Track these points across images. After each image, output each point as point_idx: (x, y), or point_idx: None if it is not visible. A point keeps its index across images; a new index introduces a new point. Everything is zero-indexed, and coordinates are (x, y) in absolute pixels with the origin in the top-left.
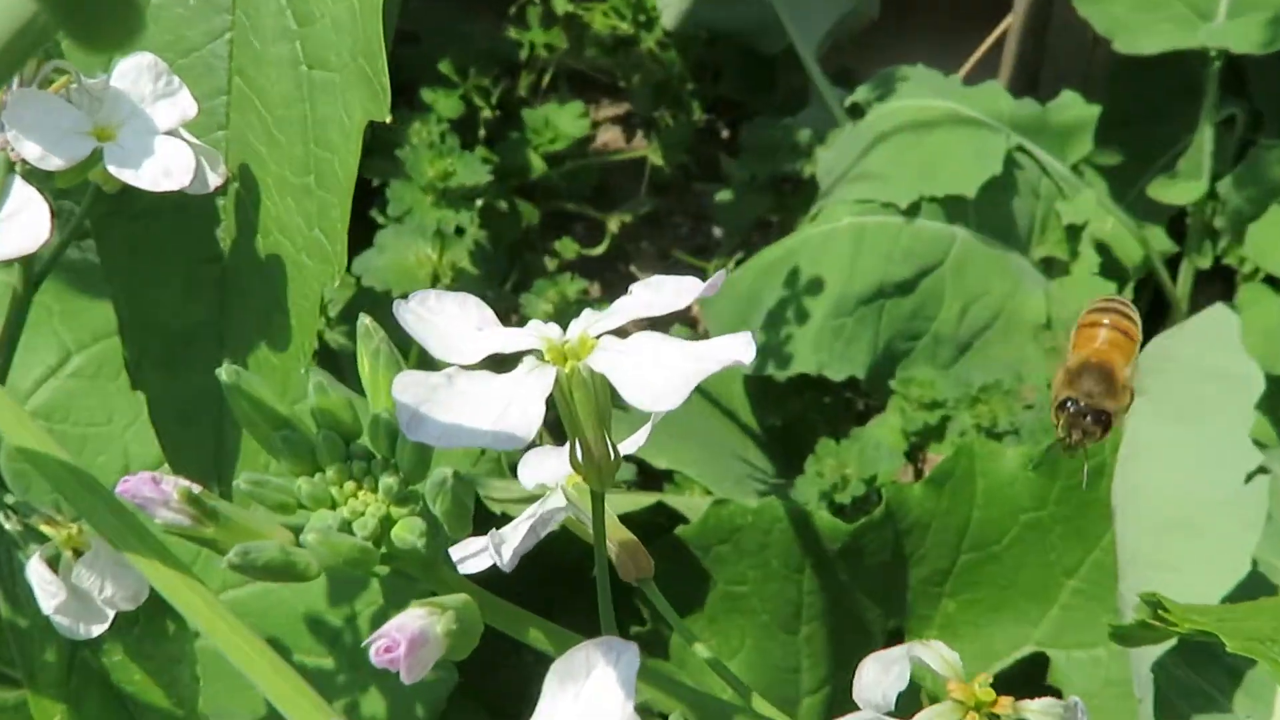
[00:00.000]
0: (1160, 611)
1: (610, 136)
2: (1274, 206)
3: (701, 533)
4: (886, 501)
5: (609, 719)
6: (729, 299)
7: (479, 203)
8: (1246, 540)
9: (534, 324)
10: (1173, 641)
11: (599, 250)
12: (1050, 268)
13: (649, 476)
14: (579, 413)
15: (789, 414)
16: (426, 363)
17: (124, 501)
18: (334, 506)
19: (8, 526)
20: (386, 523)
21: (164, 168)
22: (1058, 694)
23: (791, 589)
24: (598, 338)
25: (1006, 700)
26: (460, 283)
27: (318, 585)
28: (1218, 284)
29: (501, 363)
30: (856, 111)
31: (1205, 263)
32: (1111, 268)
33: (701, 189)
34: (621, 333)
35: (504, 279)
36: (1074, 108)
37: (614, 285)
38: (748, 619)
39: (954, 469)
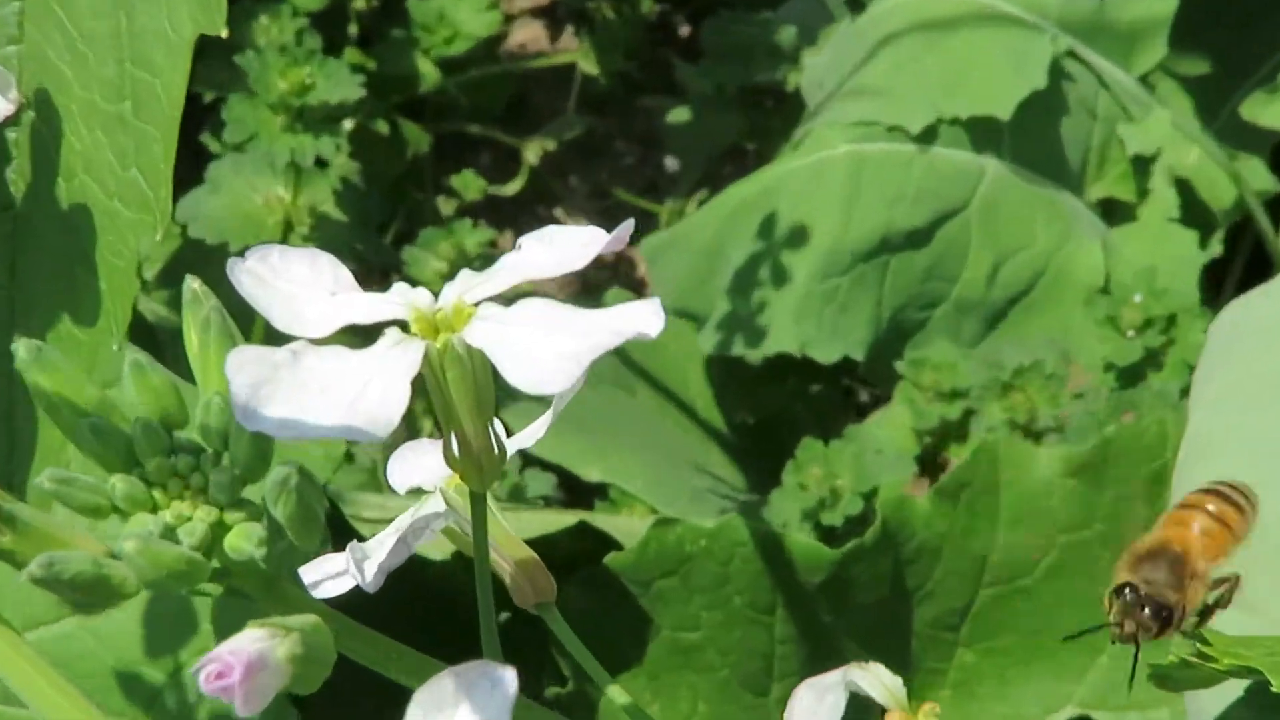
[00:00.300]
0: (1201, 646)
1: (529, 35)
2: None
3: (640, 562)
4: (884, 519)
5: None
6: (685, 254)
7: (348, 125)
8: None
9: (399, 288)
10: (1238, 692)
11: (513, 188)
12: (1111, 212)
13: (576, 493)
14: (454, 397)
15: (765, 408)
16: (273, 337)
17: None
18: (155, 510)
19: None
20: (218, 529)
21: None
22: None
23: (760, 636)
24: (476, 305)
25: None
26: (323, 232)
27: (132, 631)
28: None
29: (364, 337)
30: (856, 5)
31: None
32: (1193, 212)
33: (650, 105)
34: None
35: (383, 227)
36: (1142, 1)
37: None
38: (702, 676)
39: (972, 476)
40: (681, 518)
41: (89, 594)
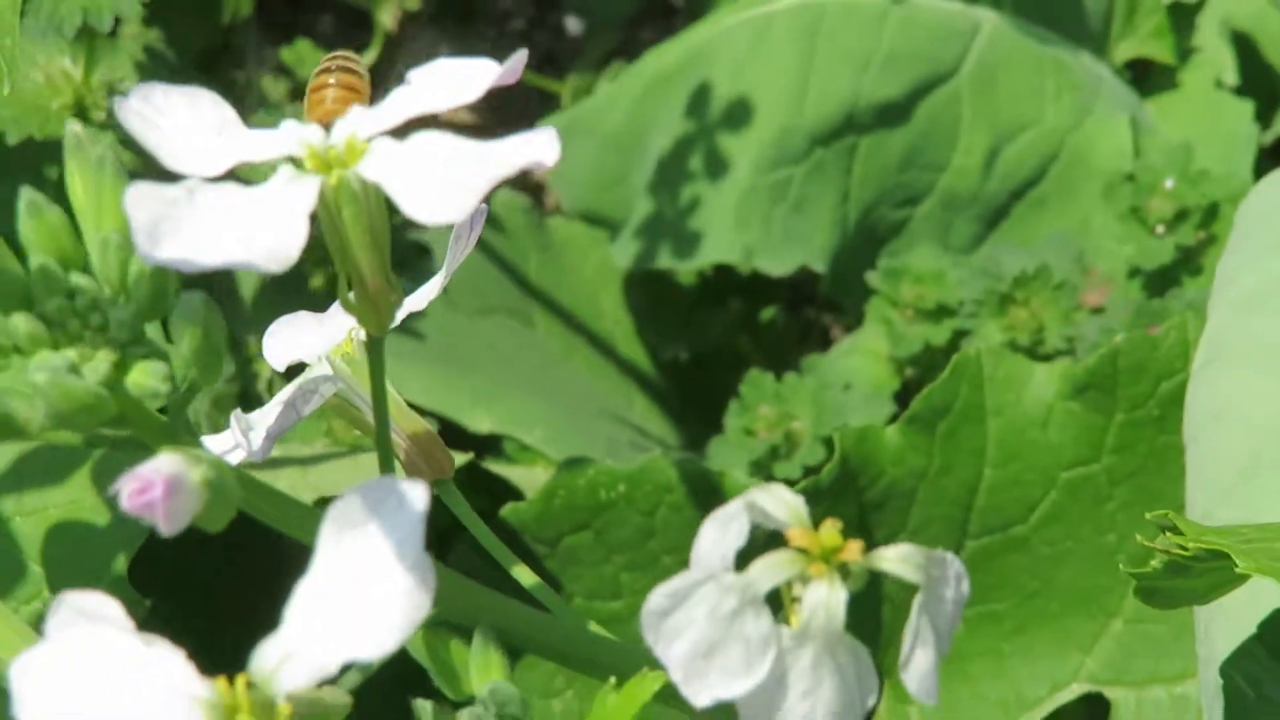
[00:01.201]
0: (1173, 536)
1: None
2: None
3: (544, 515)
4: (844, 454)
5: (394, 574)
6: (592, 141)
7: None
8: None
9: (289, 125)
10: (1251, 630)
11: (365, 60)
12: (1144, 76)
13: (461, 447)
14: (350, 235)
15: (701, 339)
16: None
17: None
18: (57, 350)
19: None
20: (120, 370)
21: None
22: None
23: None
24: (369, 140)
25: (856, 545)
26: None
27: None
28: None
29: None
30: None
31: None
32: (1253, 75)
33: None
34: (398, 135)
35: None
36: None
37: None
38: None
39: (951, 400)
40: (596, 460)
41: None
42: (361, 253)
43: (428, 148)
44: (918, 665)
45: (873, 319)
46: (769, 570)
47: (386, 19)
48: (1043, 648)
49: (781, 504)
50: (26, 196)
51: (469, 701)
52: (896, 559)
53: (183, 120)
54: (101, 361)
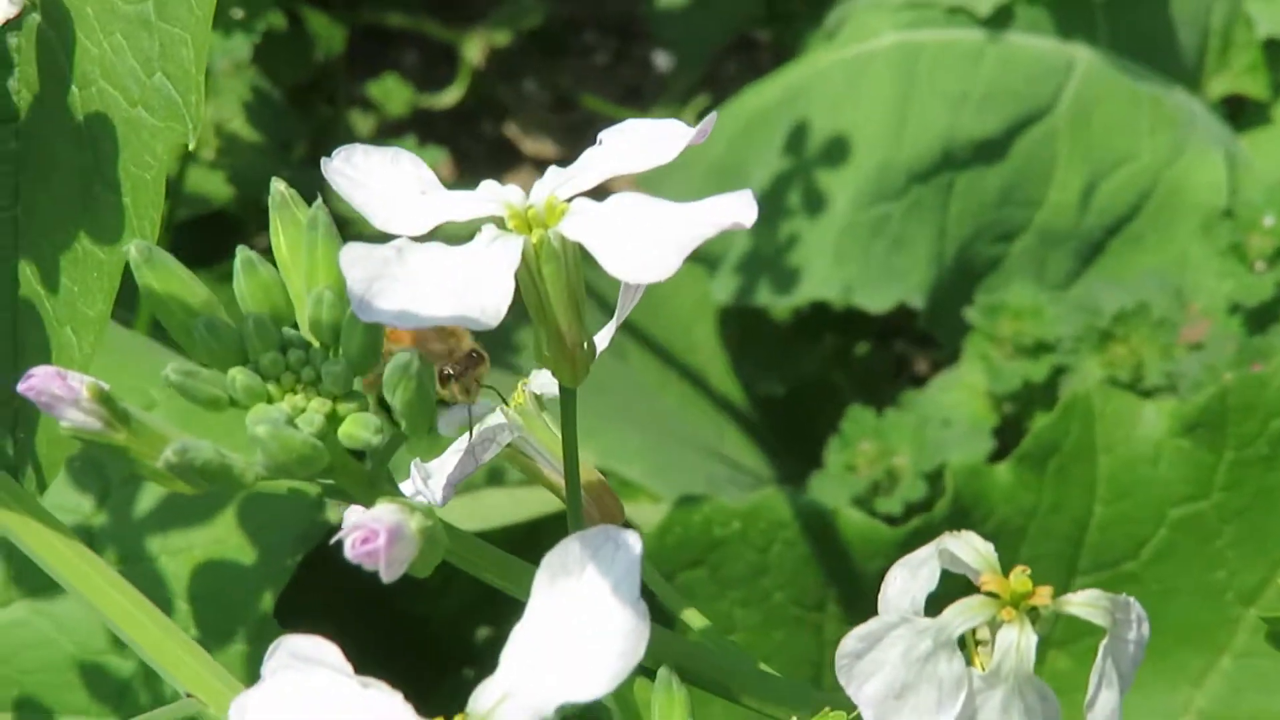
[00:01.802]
0: None
1: None
2: None
3: (659, 551)
4: (956, 491)
5: (609, 618)
6: (689, 176)
7: (241, 16)
8: None
9: (489, 185)
10: None
11: (449, 98)
12: (1238, 112)
13: None
14: (549, 291)
15: (796, 374)
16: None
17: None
18: (270, 402)
19: None
20: (333, 420)
21: None
22: None
23: (807, 639)
24: (569, 201)
25: (1046, 590)
26: (234, 157)
27: (94, 620)
28: None
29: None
30: None
31: None
32: None
33: None
34: (596, 194)
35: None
36: None
37: (477, 160)
38: None
39: (1061, 438)
40: (703, 496)
41: (213, 481)
42: (560, 309)
43: (628, 208)
44: (1103, 705)
45: (971, 355)
46: (964, 614)
47: (473, 54)
48: (1154, 682)
49: (972, 550)
50: (242, 254)
51: None
52: (1084, 603)
53: (386, 180)
54: (315, 414)
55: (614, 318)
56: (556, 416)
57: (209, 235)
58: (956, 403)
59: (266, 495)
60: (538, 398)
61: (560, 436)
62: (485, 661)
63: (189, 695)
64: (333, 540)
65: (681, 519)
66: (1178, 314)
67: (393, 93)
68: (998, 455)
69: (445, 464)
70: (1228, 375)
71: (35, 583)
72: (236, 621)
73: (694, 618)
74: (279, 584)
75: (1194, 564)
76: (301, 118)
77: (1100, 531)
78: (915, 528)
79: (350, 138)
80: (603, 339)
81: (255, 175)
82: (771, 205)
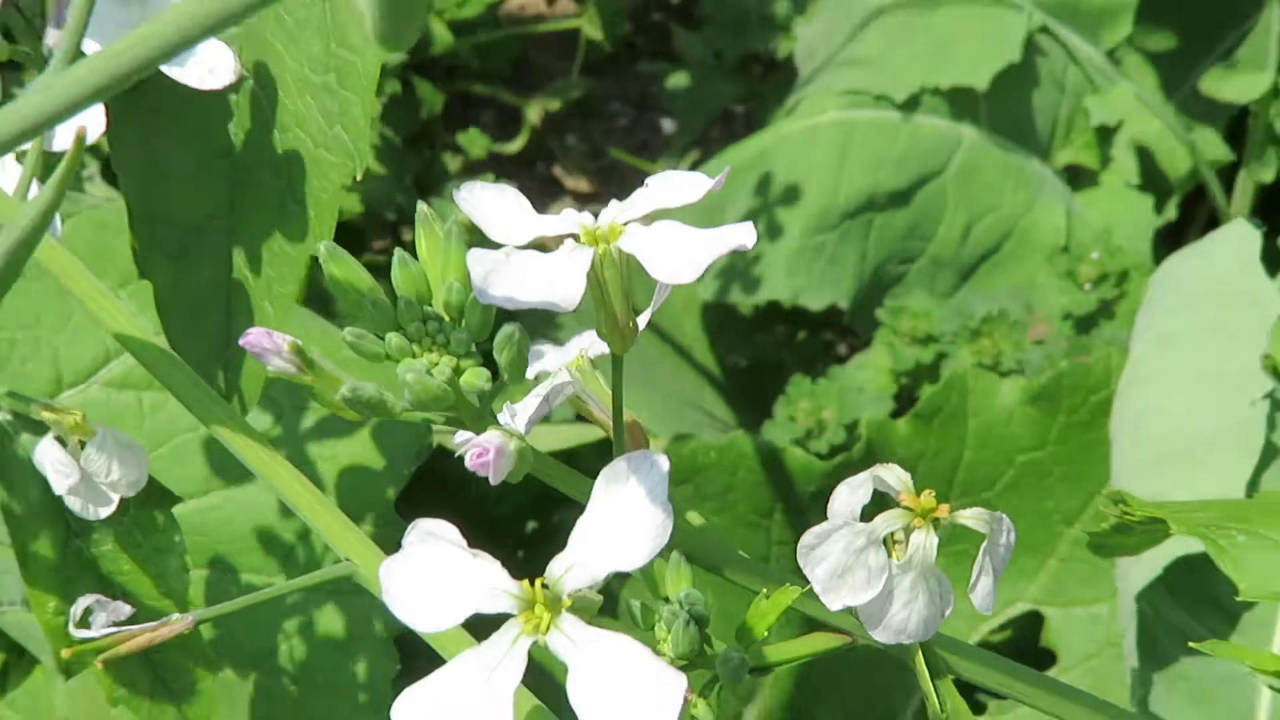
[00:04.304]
0: (1120, 505)
1: None
2: None
3: None
4: (868, 438)
5: (645, 521)
6: (688, 208)
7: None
8: (1239, 473)
9: (569, 211)
10: (1158, 568)
11: (514, 146)
12: (1075, 177)
13: (586, 424)
14: (609, 287)
15: (756, 352)
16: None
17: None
18: (414, 357)
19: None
20: (457, 372)
21: (209, 66)
22: (1052, 657)
23: (759, 537)
24: (624, 225)
25: (945, 506)
26: (368, 186)
27: (266, 501)
28: None
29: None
30: None
31: (1268, 175)
32: (1152, 179)
33: (648, 70)
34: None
35: (402, 177)
36: None
37: (534, 191)
38: (709, 572)
39: (944, 403)
40: (693, 436)
41: (373, 411)
42: (616, 300)
43: (666, 231)
44: (982, 588)
45: (879, 342)
46: (887, 521)
47: (533, 115)
48: (1001, 578)
49: (896, 477)
50: (398, 255)
51: (666, 601)
52: (971, 516)
53: (497, 206)
54: (445, 366)
55: (649, 307)
56: (603, 374)
57: (342, 239)
58: (868, 377)
59: (392, 423)
60: (592, 361)
61: (608, 389)
62: (533, 546)
63: (346, 560)
64: (456, 455)
65: (675, 451)
66: (1026, 319)
67: (475, 141)
68: (897, 414)
69: (527, 405)
70: (1062, 363)
71: (228, 477)
72: (368, 509)
73: (694, 518)
74: (399, 485)
75: (1032, 494)
76: (411, 157)
77: (968, 470)
78: (838, 463)
79: (444, 174)
80: (642, 321)
81: (378, 197)
82: None
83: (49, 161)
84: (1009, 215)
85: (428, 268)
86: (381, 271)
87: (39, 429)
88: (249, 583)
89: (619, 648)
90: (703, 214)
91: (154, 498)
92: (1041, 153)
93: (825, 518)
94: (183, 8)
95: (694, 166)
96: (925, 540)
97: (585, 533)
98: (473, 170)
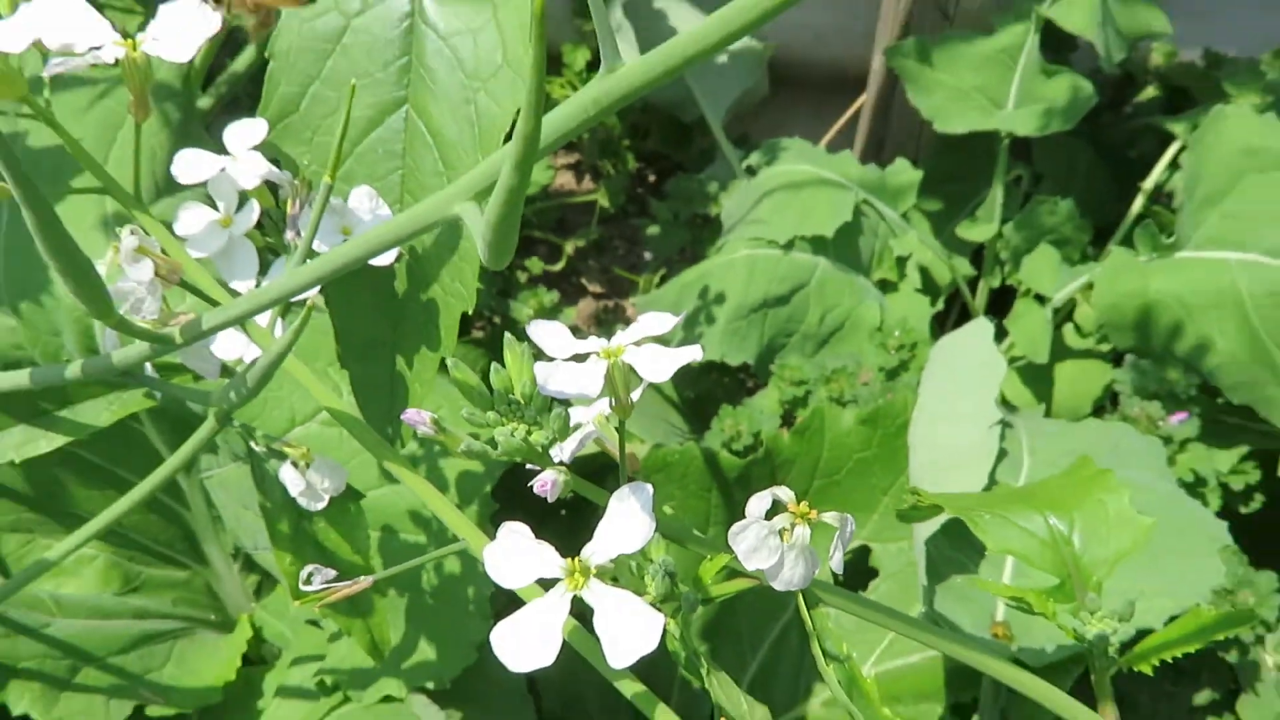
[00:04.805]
0: (915, 495)
1: (566, 180)
2: (1042, 245)
3: (646, 466)
4: (766, 446)
5: (638, 523)
6: (657, 306)
7: None
8: (983, 470)
9: (594, 339)
10: (939, 524)
11: (558, 267)
12: (884, 286)
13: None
14: (617, 382)
15: (700, 389)
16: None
17: (398, 426)
18: (503, 425)
19: (259, 449)
20: (529, 435)
21: (385, 255)
22: (875, 573)
23: (703, 504)
24: (624, 346)
25: (814, 512)
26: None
27: (411, 492)
28: (1005, 299)
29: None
30: (751, 170)
31: (995, 283)
32: (928, 286)
33: (636, 223)
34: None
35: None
36: (905, 172)
37: (569, 294)
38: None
39: (810, 424)
40: (663, 445)
41: (479, 458)
42: (620, 390)
43: (650, 351)
44: (837, 558)
45: (772, 386)
46: (781, 519)
47: (569, 249)
48: None
49: (785, 493)
50: (494, 367)
51: (650, 562)
52: (830, 518)
53: (553, 334)
54: (521, 430)
55: (639, 388)
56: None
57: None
58: (766, 405)
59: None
60: (605, 416)
61: (615, 434)
62: (569, 521)
63: (462, 539)
64: (530, 485)
65: (654, 453)
66: (858, 370)
67: (534, 265)
68: (784, 427)
69: (569, 443)
70: (880, 400)
71: (391, 479)
72: (474, 496)
73: (667, 510)
74: (492, 482)
75: (863, 477)
76: (496, 276)
77: (825, 465)
78: (750, 460)
79: (516, 285)
80: (635, 396)
81: (481, 304)
82: (692, 321)
83: (287, 307)
84: (847, 309)
85: (510, 372)
86: (478, 343)
87: (282, 456)
88: (404, 540)
89: (624, 597)
90: (669, 309)
91: (348, 494)
92: (865, 272)
93: (745, 493)
94: (372, 234)
95: (663, 279)
96: (802, 531)
97: (603, 530)
98: (534, 282)
